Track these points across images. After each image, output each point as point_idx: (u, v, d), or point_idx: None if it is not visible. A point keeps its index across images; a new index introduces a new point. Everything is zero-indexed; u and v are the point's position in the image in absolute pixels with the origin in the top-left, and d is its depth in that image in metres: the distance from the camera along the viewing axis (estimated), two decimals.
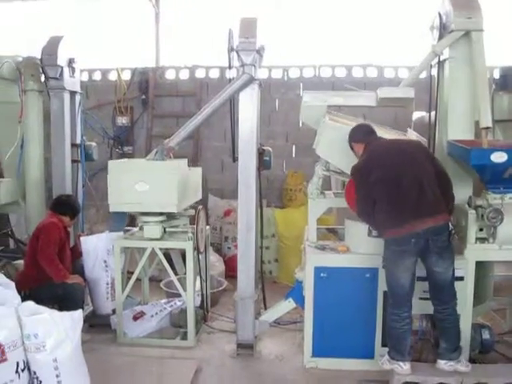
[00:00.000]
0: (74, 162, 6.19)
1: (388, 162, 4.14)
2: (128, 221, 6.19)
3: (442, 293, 4.13)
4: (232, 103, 5.07)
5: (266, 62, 5.15)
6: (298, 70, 8.33)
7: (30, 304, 3.73)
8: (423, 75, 5.27)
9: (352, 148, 4.42)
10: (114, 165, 5.20)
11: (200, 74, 8.49)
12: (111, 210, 5.13)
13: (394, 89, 4.92)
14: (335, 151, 4.58)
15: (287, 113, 8.20)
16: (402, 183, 4.02)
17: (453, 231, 4.20)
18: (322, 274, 4.58)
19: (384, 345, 4.44)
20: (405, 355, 4.12)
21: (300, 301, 4.87)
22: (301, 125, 8.05)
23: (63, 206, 5.51)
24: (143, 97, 8.47)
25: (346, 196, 4.55)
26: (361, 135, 4.41)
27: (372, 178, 4.07)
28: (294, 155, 8.36)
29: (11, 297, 3.80)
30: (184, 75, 8.55)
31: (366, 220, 4.31)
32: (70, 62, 6.02)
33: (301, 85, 8.25)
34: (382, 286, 4.39)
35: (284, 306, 5.06)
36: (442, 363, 4.15)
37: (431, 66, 4.97)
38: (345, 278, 4.58)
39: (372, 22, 8.35)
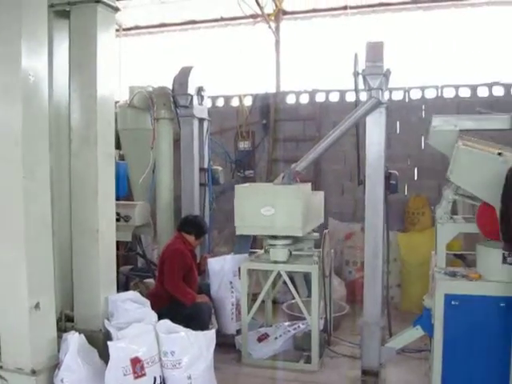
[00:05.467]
0: (201, 185, 6.47)
1: None
2: (251, 243, 6.29)
3: None
4: (356, 127, 5.07)
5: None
6: (420, 91, 8.12)
7: (167, 322, 3.88)
8: None
9: None
10: (240, 189, 5.32)
11: (320, 97, 8.54)
12: (237, 232, 5.28)
13: None
14: (472, 177, 4.35)
15: (408, 135, 8.00)
16: None
17: None
18: (452, 302, 4.37)
19: None
20: None
21: (428, 329, 4.68)
22: (423, 147, 7.87)
23: (189, 225, 5.71)
24: (264, 121, 8.65)
25: (478, 221, 4.36)
26: None
27: None
28: (415, 178, 8.15)
29: (149, 314, 3.99)
30: (304, 99, 8.65)
31: None
32: (199, 90, 6.33)
33: (423, 106, 8.05)
34: None
35: (411, 334, 4.89)
36: None
37: None
38: (477, 306, 4.32)
39: (498, 38, 8.08)
